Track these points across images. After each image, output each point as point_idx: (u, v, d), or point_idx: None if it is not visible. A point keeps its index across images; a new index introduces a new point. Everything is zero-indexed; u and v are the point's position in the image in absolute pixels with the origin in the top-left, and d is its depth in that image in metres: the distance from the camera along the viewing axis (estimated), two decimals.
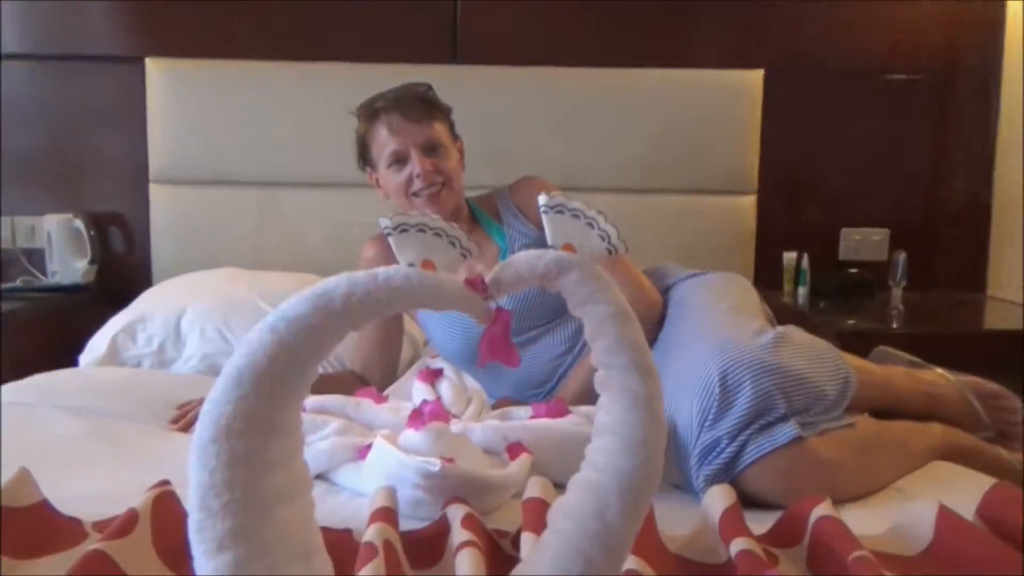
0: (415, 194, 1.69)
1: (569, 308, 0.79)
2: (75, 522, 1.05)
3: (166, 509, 1.01)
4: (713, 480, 1.21)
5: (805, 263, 2.63)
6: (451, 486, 1.12)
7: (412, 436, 1.22)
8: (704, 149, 2.62)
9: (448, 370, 1.64)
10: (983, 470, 1.34)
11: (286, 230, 2.61)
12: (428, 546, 1.03)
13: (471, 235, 1.80)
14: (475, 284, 0.77)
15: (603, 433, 0.77)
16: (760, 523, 1.08)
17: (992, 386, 1.55)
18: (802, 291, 2.61)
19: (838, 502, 1.12)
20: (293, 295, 0.74)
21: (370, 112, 1.71)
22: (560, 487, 0.86)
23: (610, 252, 0.79)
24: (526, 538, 0.96)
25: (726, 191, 2.65)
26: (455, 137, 1.77)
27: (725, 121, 2.62)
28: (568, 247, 0.79)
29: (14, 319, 2.18)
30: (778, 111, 2.66)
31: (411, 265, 0.78)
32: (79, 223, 2.55)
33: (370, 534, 0.94)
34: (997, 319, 2.46)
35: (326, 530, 0.91)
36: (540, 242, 0.80)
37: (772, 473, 1.21)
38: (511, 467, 1.22)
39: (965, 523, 1.01)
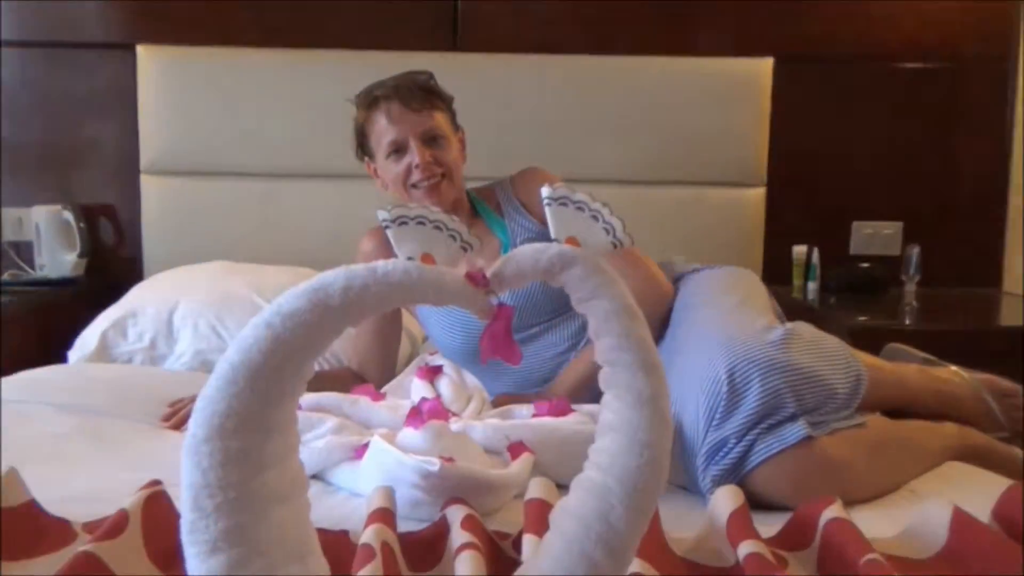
0: (414, 185, 1.68)
1: (573, 304, 0.79)
2: (64, 523, 1.05)
3: (158, 510, 1.01)
4: (720, 481, 1.21)
5: (815, 257, 2.63)
6: (451, 486, 1.12)
7: (410, 435, 1.22)
8: (711, 140, 2.62)
9: (447, 367, 1.64)
10: (998, 471, 1.34)
11: (282, 222, 2.61)
12: (427, 548, 1.03)
13: (472, 228, 1.79)
14: (476, 279, 0.77)
15: (607, 432, 0.77)
16: (769, 525, 1.08)
17: (1008, 384, 1.55)
18: (812, 286, 2.61)
19: (849, 503, 1.12)
20: (289, 290, 0.74)
21: (369, 100, 1.71)
22: (563, 488, 0.86)
23: (615, 246, 0.79)
24: (528, 540, 0.96)
25: (734, 183, 2.65)
26: (456, 127, 1.77)
27: (733, 111, 2.62)
28: (572, 241, 0.79)
29: (1, 314, 2.18)
30: (787, 100, 2.66)
31: (410, 259, 0.78)
32: (68, 215, 2.55)
33: (367, 536, 0.94)
34: (1013, 315, 2.46)
35: (322, 531, 0.91)
36: (543, 236, 0.80)
37: (781, 474, 1.21)
38: (512, 467, 1.22)
39: (980, 525, 1.01)
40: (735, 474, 1.22)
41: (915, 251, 2.57)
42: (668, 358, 1.44)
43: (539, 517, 0.98)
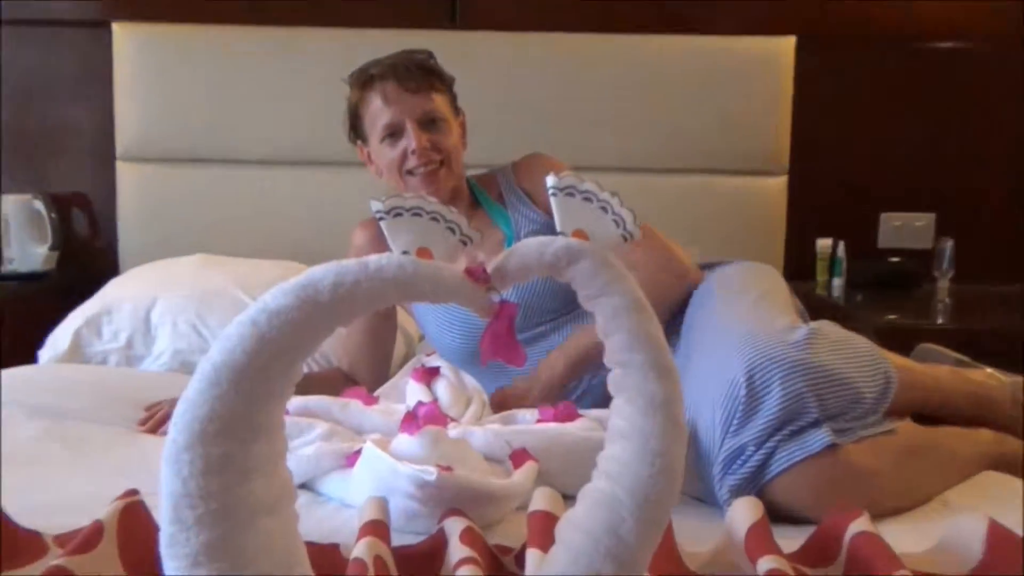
0: (410, 172, 1.68)
1: (580, 301, 0.79)
2: (34, 535, 1.05)
3: (135, 521, 1.01)
4: (738, 491, 1.21)
5: (841, 251, 2.63)
6: (448, 497, 1.12)
7: (405, 441, 1.22)
8: (728, 124, 2.62)
9: (445, 368, 1.64)
10: None
11: (268, 213, 2.61)
12: (423, 563, 1.03)
13: (472, 220, 1.80)
14: (476, 274, 0.77)
15: (617, 439, 0.77)
16: (790, 539, 1.08)
17: None
18: (837, 282, 2.61)
19: (877, 516, 1.11)
20: (276, 286, 0.74)
21: (364, 79, 1.71)
22: (569, 498, 0.86)
23: (625, 239, 0.79)
24: (531, 555, 0.96)
25: (752, 171, 2.65)
26: (456, 111, 1.77)
27: (752, 94, 2.62)
28: (579, 233, 0.79)
29: None
30: (811, 82, 2.65)
31: (405, 253, 0.78)
32: (39, 204, 2.55)
33: (359, 549, 0.95)
34: None
35: (311, 544, 0.91)
36: (548, 227, 0.80)
37: (803, 484, 1.21)
38: (515, 476, 1.23)
39: (1018, 539, 1.01)
40: (754, 484, 1.22)
41: (948, 244, 2.56)
42: (682, 361, 1.44)
43: (543, 530, 0.98)
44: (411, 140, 1.66)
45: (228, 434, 0.71)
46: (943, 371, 1.56)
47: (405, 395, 1.58)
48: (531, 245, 0.78)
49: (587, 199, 0.79)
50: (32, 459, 1.42)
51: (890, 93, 2.74)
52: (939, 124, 2.75)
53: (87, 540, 0.95)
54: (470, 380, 1.65)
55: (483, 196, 1.78)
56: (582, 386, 1.65)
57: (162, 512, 0.72)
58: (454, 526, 1.04)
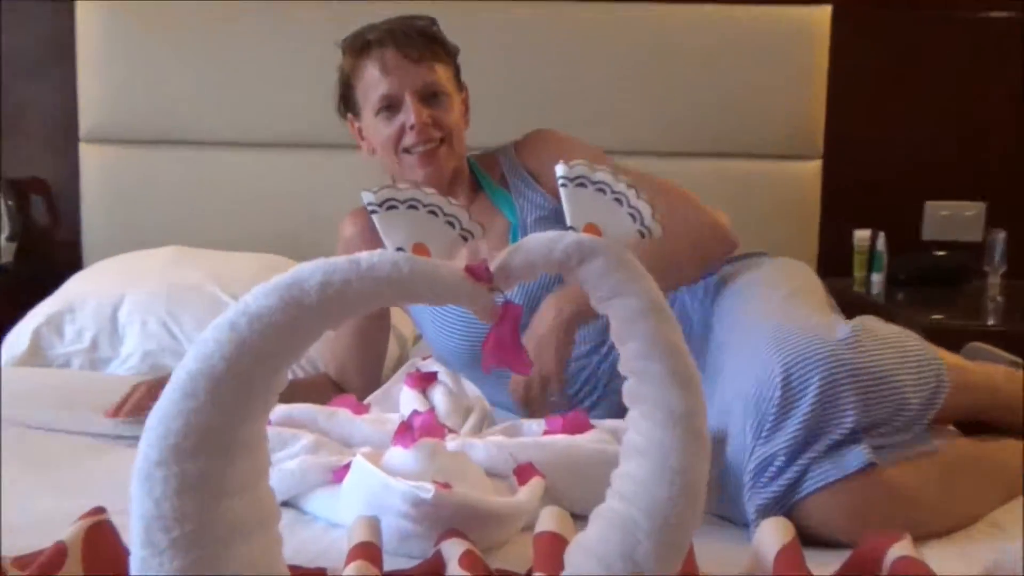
0: (406, 150, 1.68)
1: (592, 303, 0.80)
2: None
3: (102, 542, 1.02)
4: (765, 511, 1.21)
5: (881, 244, 2.62)
6: (446, 516, 1.12)
7: (399, 455, 1.23)
8: (755, 103, 2.61)
9: (443, 374, 1.64)
10: None
11: (247, 200, 2.61)
12: None
13: (474, 206, 1.81)
14: (478, 273, 0.77)
15: (633, 456, 0.77)
16: (823, 564, 1.08)
17: None
18: (877, 278, 2.60)
19: (919, 538, 1.12)
20: (257, 286, 0.75)
21: (359, 45, 1.69)
22: (580, 519, 0.87)
23: (642, 235, 0.79)
24: None
25: (783, 155, 2.64)
26: (460, 85, 1.77)
27: (783, 68, 2.61)
28: (591, 228, 0.79)
29: None
30: (849, 56, 2.64)
31: (400, 250, 0.78)
32: None
33: (349, 573, 0.95)
34: None
35: (295, 569, 0.92)
36: (556, 213, 0.80)
37: (836, 505, 1.21)
38: (520, 493, 1.23)
39: None
40: (782, 503, 1.22)
41: (1000, 236, 2.56)
42: (705, 364, 1.44)
43: (551, 553, 0.99)
44: (409, 115, 1.65)
45: (205, 450, 0.72)
46: (999, 373, 1.55)
47: (398, 403, 1.58)
48: (538, 241, 0.78)
49: (600, 190, 0.79)
50: None
51: (936, 68, 2.73)
52: (991, 103, 2.74)
53: (49, 562, 0.96)
54: (470, 387, 1.65)
55: (485, 179, 1.77)
56: (595, 394, 1.66)
57: (132, 535, 0.73)
58: (452, 549, 1.04)
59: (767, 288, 1.56)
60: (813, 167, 2.66)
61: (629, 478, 0.76)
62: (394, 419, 1.43)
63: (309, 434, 1.38)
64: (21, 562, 1.05)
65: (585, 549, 0.77)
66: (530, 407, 1.53)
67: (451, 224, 0.80)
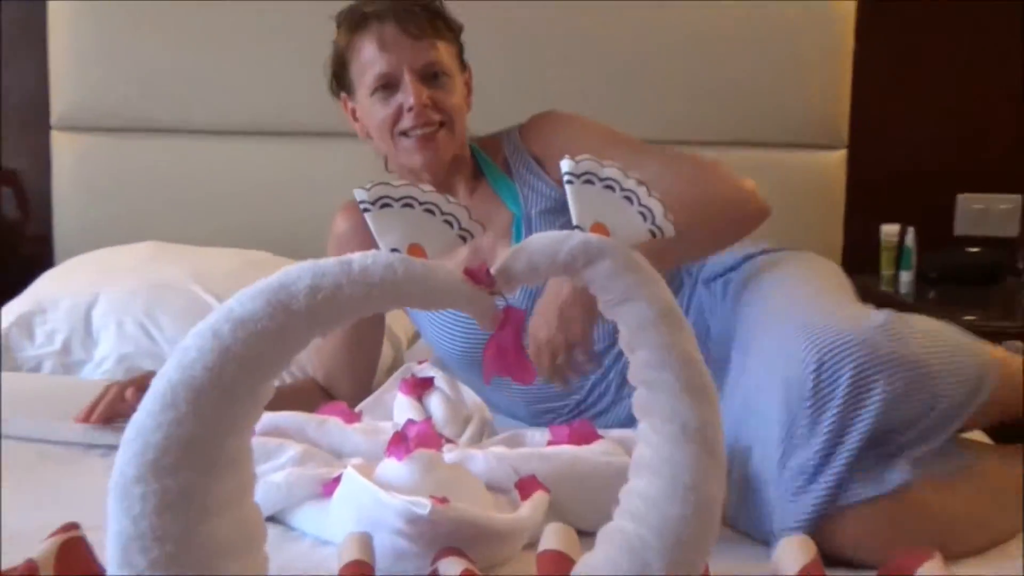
0: (404, 133, 1.67)
1: (600, 307, 0.80)
2: None
3: (76, 561, 1.01)
4: (797, 523, 1.19)
5: (910, 240, 2.62)
6: (444, 533, 1.12)
7: (393, 467, 1.23)
8: (777, 90, 2.61)
9: (440, 379, 1.64)
10: None
11: (230, 193, 2.61)
12: None
13: (475, 195, 1.81)
14: (478, 276, 0.78)
15: (643, 472, 0.77)
16: None
17: None
18: (906, 276, 2.60)
19: (951, 557, 1.12)
20: (242, 289, 0.75)
21: (356, 19, 1.69)
22: (586, 536, 0.87)
23: (653, 235, 0.79)
24: None
25: (805, 144, 2.64)
26: (463, 65, 1.76)
27: (805, 55, 2.60)
28: (599, 228, 0.79)
29: None
30: (875, 39, 2.64)
31: (395, 251, 0.78)
32: None
33: None
34: None
35: None
36: (565, 204, 0.79)
37: (873, 521, 1.20)
38: (522, 508, 1.23)
39: None
40: (814, 517, 1.20)
41: None
42: (726, 366, 1.44)
43: (556, 573, 0.99)
44: (408, 95, 1.65)
45: (186, 465, 0.72)
46: None
47: (392, 411, 1.58)
48: (542, 241, 0.78)
49: (609, 187, 0.79)
50: None
51: (968, 52, 2.72)
52: None
53: None
54: (469, 394, 1.65)
55: (488, 165, 1.77)
56: (605, 399, 1.65)
57: (109, 555, 0.73)
58: (450, 568, 1.04)
59: (793, 283, 1.55)
60: (837, 157, 2.65)
61: (639, 496, 0.76)
62: (388, 428, 1.43)
63: (296, 444, 1.38)
64: None
65: (593, 570, 0.77)
66: (556, 376, 1.49)
67: (449, 223, 0.80)
